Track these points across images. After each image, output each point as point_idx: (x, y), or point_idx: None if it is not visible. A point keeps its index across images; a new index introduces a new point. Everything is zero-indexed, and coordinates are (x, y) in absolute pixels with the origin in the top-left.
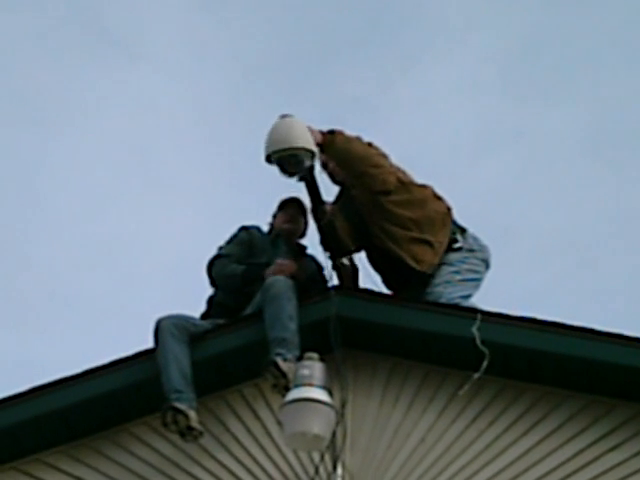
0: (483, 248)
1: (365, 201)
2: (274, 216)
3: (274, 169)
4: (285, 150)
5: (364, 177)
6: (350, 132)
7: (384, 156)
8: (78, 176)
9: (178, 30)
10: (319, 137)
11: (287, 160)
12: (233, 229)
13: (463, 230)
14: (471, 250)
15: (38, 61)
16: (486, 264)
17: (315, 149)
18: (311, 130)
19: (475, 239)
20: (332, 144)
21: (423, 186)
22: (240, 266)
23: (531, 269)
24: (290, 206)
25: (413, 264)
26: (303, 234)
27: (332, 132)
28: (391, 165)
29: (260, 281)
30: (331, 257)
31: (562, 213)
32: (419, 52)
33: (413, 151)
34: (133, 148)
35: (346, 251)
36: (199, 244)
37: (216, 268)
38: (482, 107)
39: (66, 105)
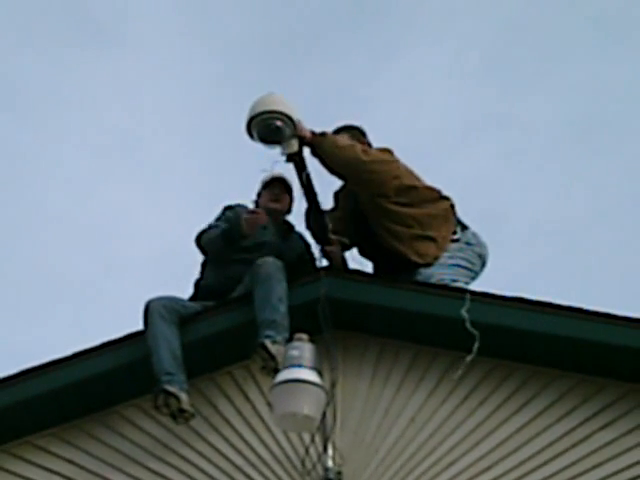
0: (481, 244)
1: (365, 202)
2: (259, 194)
3: (260, 149)
4: (262, 114)
5: (356, 182)
6: (340, 122)
7: (384, 161)
8: (66, 162)
9: (163, 18)
10: (308, 135)
11: (267, 128)
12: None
13: (464, 227)
14: (468, 243)
15: (24, 50)
16: (482, 260)
17: (294, 116)
18: (301, 125)
19: (475, 235)
20: (320, 146)
21: (427, 187)
22: (219, 227)
23: (517, 253)
24: (275, 184)
25: (416, 259)
26: (289, 211)
27: (323, 134)
28: (398, 167)
29: (240, 235)
30: (318, 240)
31: (547, 198)
32: (403, 39)
33: (398, 138)
34: (120, 134)
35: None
36: (186, 228)
37: (203, 239)
38: (467, 94)
39: (52, 93)
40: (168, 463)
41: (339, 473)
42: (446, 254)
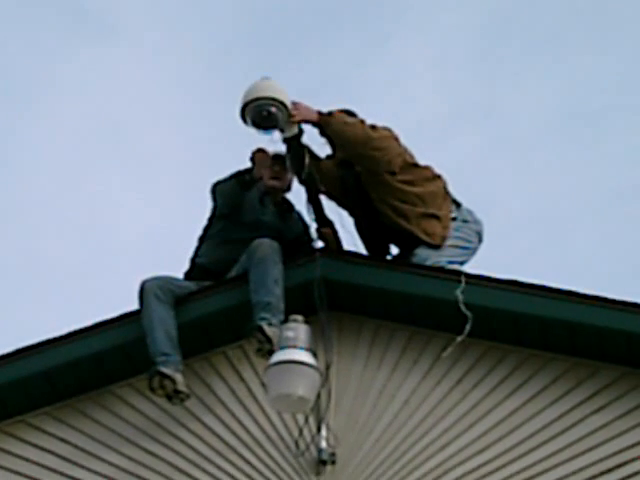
0: (477, 221)
1: (370, 180)
2: (250, 170)
3: (248, 136)
4: (255, 100)
5: (364, 159)
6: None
7: (390, 137)
8: (54, 149)
9: (153, 6)
10: (315, 116)
11: (260, 114)
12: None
13: (458, 204)
14: (465, 221)
15: (14, 37)
16: (479, 236)
17: (286, 100)
18: (307, 108)
19: (469, 212)
20: (328, 125)
21: (425, 167)
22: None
23: (503, 242)
24: (274, 162)
25: (425, 238)
26: (288, 188)
27: (330, 113)
28: (399, 145)
29: (252, 178)
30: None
31: (531, 189)
32: (390, 30)
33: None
34: (108, 120)
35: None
36: (175, 211)
37: (218, 188)
38: (453, 85)
39: (42, 81)
40: (162, 443)
41: (333, 454)
42: None
